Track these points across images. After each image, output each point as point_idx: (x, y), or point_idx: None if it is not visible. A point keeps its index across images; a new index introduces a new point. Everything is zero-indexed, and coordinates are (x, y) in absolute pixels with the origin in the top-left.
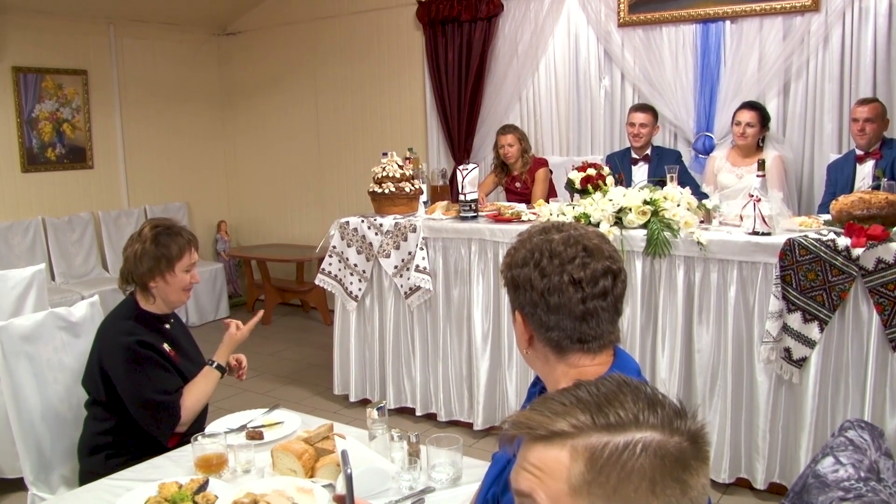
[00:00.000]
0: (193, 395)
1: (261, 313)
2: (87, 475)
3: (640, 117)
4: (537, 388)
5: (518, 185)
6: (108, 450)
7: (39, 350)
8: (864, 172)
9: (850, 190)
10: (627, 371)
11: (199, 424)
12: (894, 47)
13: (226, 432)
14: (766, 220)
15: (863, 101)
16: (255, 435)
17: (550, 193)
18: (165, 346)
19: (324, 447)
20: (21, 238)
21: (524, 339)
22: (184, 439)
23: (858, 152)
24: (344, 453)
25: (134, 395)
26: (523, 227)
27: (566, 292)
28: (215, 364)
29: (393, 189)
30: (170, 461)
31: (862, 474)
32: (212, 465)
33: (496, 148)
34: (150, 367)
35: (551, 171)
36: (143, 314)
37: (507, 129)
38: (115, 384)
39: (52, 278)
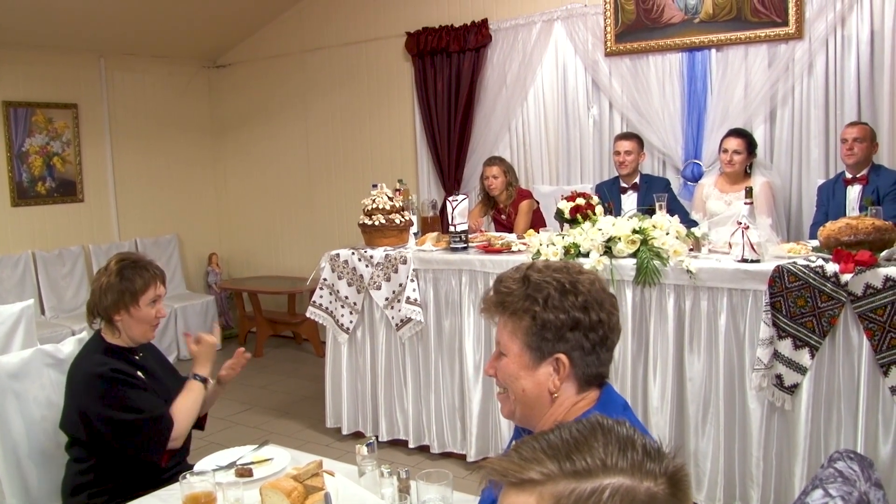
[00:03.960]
0: (179, 406)
1: (217, 330)
2: None
3: (624, 145)
4: None
5: (503, 217)
6: (89, 489)
7: (27, 387)
8: (851, 197)
9: (844, 213)
10: (611, 404)
11: (183, 454)
12: (877, 73)
13: (214, 470)
14: (755, 247)
15: (852, 123)
16: (245, 472)
17: (538, 224)
18: (138, 374)
19: (313, 484)
20: (11, 272)
21: (546, 387)
22: (173, 458)
23: (847, 175)
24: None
25: (116, 422)
26: (514, 258)
27: (617, 330)
28: (197, 376)
29: (383, 221)
30: (158, 500)
31: None
32: None
33: (482, 179)
34: (128, 389)
35: (538, 202)
36: (112, 347)
37: (492, 160)
38: (93, 419)
39: (43, 312)
